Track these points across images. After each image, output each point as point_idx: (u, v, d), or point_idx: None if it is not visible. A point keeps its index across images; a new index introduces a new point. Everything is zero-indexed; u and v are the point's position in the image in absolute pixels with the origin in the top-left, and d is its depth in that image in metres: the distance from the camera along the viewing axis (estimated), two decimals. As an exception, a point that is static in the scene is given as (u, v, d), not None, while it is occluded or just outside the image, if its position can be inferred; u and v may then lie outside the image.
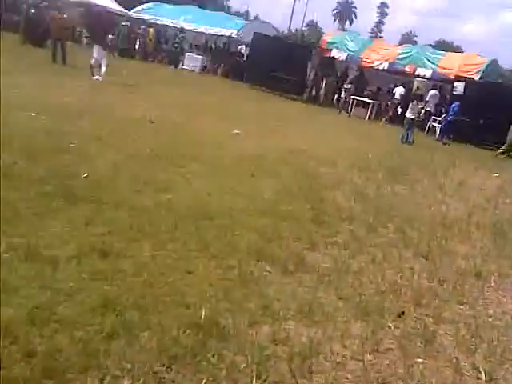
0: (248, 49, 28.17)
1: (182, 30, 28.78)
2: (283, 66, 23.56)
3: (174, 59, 28.12)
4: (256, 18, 60.90)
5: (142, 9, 32.82)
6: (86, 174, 5.72)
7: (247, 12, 70.53)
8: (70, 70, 16.25)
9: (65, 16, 17.33)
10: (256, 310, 3.65)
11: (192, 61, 29.16)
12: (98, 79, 14.66)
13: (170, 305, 3.43)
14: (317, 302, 3.96)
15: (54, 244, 3.94)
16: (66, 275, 3.51)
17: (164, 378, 2.77)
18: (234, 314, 3.50)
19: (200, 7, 35.02)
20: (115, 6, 32.95)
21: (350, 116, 22.08)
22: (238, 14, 54.41)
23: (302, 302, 3.91)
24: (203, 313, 3.38)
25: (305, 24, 69.88)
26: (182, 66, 28.61)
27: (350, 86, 23.09)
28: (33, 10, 23.91)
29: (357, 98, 22.78)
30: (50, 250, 3.81)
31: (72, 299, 3.25)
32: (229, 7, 64.17)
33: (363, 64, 24.81)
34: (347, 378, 3.11)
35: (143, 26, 29.41)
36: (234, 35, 29.45)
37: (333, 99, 25.27)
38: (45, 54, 17.58)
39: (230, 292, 3.80)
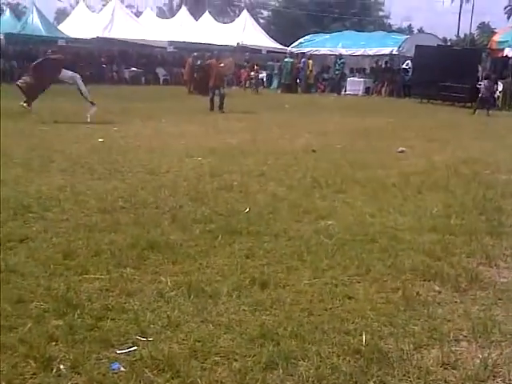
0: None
1: (340, 56, 29.01)
2: (451, 74, 22.59)
3: (336, 86, 28.41)
4: (420, 31, 58.81)
5: (300, 43, 33.73)
6: (247, 209, 5.93)
7: (410, 27, 68.64)
8: (226, 115, 16.66)
9: (222, 65, 18.23)
10: (423, 332, 3.44)
11: (354, 85, 29.23)
12: None
13: (328, 332, 3.37)
14: (493, 321, 3.61)
15: (216, 279, 4.11)
16: (226, 308, 3.64)
17: (322, 406, 2.71)
18: (397, 338, 3.34)
19: (357, 31, 35.10)
20: (277, 45, 34.48)
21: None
22: (400, 31, 53.36)
23: (476, 321, 3.60)
24: (364, 339, 3.26)
25: (474, 27, 65.82)
26: (345, 91, 28.75)
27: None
28: (199, 62, 25.77)
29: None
30: (212, 285, 3.98)
31: (232, 331, 3.34)
32: (390, 25, 62.73)
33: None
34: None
35: (303, 60, 29.95)
36: (394, 52, 29.00)
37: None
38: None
39: (393, 316, 3.63)
